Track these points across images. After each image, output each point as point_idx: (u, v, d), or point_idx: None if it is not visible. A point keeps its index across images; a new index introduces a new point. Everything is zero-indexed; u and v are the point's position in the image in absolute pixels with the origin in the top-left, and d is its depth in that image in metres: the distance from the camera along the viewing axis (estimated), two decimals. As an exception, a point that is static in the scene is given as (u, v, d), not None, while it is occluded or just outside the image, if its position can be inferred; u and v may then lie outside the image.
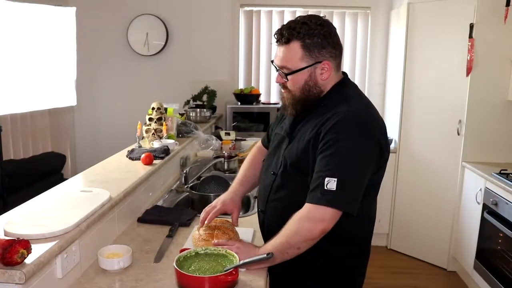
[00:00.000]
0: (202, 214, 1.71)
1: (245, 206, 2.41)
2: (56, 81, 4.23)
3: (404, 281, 3.53)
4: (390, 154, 3.96)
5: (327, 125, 1.42)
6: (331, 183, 1.35)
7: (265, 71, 4.62)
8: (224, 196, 1.77)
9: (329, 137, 1.40)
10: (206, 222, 1.67)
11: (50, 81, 4.16)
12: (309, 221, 1.38)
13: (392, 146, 4.02)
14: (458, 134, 3.50)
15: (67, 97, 4.40)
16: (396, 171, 3.97)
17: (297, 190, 1.48)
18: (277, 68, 1.53)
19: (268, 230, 1.61)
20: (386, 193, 3.98)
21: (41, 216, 1.42)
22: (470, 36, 3.32)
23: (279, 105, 4.32)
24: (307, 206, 1.40)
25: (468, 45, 3.33)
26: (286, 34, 1.46)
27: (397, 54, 4.04)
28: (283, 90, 1.56)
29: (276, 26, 4.52)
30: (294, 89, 1.50)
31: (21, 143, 4.08)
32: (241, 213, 2.33)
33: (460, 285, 3.50)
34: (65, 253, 1.33)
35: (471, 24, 3.31)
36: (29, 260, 1.15)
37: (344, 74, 1.59)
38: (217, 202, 1.74)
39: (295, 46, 1.45)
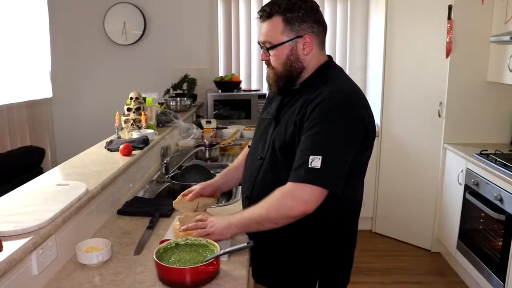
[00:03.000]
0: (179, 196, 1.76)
1: (227, 194, 2.40)
2: (30, 73, 4.12)
3: (389, 264, 3.56)
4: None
5: (312, 104, 1.41)
6: (315, 161, 1.34)
7: (245, 58, 4.57)
8: (202, 184, 1.81)
9: (313, 116, 1.39)
10: (187, 198, 1.73)
11: (24, 73, 4.05)
12: (292, 200, 1.37)
13: (374, 130, 4.03)
14: (439, 116, 3.51)
15: (42, 89, 4.30)
16: (379, 154, 3.99)
17: (285, 173, 1.44)
18: (261, 45, 1.54)
19: None
20: (370, 177, 3.98)
21: (14, 212, 1.38)
22: (449, 18, 3.32)
23: (260, 92, 4.29)
24: (290, 185, 1.38)
25: (447, 26, 3.33)
26: (268, 9, 1.48)
27: (376, 38, 4.03)
28: (267, 69, 1.57)
29: (255, 12, 4.47)
30: (276, 65, 1.51)
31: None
32: (223, 202, 2.32)
33: (444, 266, 3.54)
34: (40, 249, 1.29)
35: (449, 5, 3.31)
36: (0, 258, 1.11)
37: (329, 57, 1.59)
38: (196, 186, 1.78)
39: (277, 20, 1.46)
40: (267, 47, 1.50)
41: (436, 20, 3.44)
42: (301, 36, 1.47)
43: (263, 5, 1.51)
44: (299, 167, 1.37)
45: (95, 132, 3.38)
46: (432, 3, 3.47)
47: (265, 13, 1.48)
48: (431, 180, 3.66)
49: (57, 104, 4.62)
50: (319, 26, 1.50)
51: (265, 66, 1.76)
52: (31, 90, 4.17)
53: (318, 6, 1.51)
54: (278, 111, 1.58)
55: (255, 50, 4.50)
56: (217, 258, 1.35)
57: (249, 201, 1.62)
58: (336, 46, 4.51)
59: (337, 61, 4.49)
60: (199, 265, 1.31)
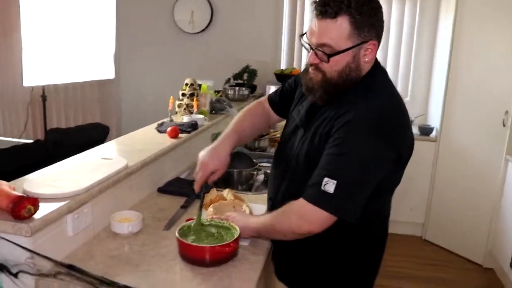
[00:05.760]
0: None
1: (266, 183, 2.44)
2: (95, 54, 4.37)
3: (435, 274, 3.45)
4: (430, 142, 3.84)
5: (340, 121, 1.29)
6: (329, 185, 1.24)
7: (307, 52, 4.56)
8: (204, 155, 1.59)
9: (338, 134, 1.28)
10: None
11: (90, 54, 4.31)
12: (299, 218, 1.30)
13: (433, 134, 3.90)
14: (504, 125, 3.33)
15: (108, 70, 4.55)
16: (435, 160, 3.85)
17: None
18: (312, 47, 1.32)
19: None
20: (423, 182, 3.88)
21: (59, 178, 1.52)
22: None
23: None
24: (300, 201, 1.31)
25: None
26: (333, 6, 1.25)
27: (444, 42, 3.87)
28: (312, 70, 1.37)
29: (321, 7, 4.46)
30: (331, 71, 1.32)
31: (72, 113, 4.32)
32: (257, 190, 2.36)
33: (496, 284, 3.37)
34: (76, 213, 1.42)
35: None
36: (37, 216, 1.24)
37: (375, 60, 1.41)
38: (198, 165, 1.59)
39: (344, 21, 1.25)
40: (326, 52, 1.29)
41: (509, 26, 3.25)
42: (366, 42, 1.30)
43: None
44: (313, 186, 1.28)
45: (157, 113, 3.54)
46: (506, 9, 3.28)
47: (329, 10, 1.25)
48: (489, 191, 3.48)
49: (124, 85, 4.91)
50: (383, 28, 1.34)
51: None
52: (95, 71, 4.44)
53: (381, 5, 1.33)
54: (308, 116, 1.46)
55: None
56: (235, 240, 1.41)
57: (272, 203, 1.62)
58: (401, 47, 4.36)
59: (401, 66, 4.36)
60: (216, 245, 1.37)
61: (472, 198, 3.62)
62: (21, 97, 3.68)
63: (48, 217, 1.27)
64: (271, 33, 4.55)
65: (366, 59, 1.33)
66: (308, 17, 4.50)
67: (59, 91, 4.13)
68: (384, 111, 1.30)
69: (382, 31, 1.34)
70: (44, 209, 1.28)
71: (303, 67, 4.84)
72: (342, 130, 1.28)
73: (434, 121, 3.99)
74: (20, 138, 3.79)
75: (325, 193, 1.25)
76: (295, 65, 4.57)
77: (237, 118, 1.73)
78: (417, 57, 4.32)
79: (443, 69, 3.79)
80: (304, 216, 1.30)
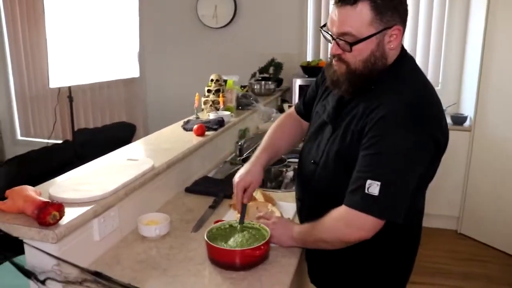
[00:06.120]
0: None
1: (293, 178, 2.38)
2: (120, 54, 4.36)
3: (472, 268, 3.31)
4: (464, 132, 3.67)
5: (373, 117, 1.22)
6: (373, 187, 1.18)
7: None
8: (240, 172, 1.55)
9: (373, 132, 1.21)
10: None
11: (115, 54, 4.29)
12: (346, 226, 1.25)
13: (467, 123, 3.74)
14: (544, 113, 3.17)
15: (133, 69, 4.54)
16: (470, 150, 3.70)
17: (341, 185, 1.28)
18: (334, 37, 1.26)
19: (306, 221, 1.43)
20: (457, 174, 3.73)
21: (84, 182, 1.49)
22: None
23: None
24: (345, 209, 1.24)
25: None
26: None
27: (476, 27, 3.70)
28: (335, 63, 1.31)
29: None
30: (355, 62, 1.25)
31: (98, 112, 4.35)
32: (293, 188, 2.30)
33: (538, 278, 3.23)
34: (102, 217, 1.39)
35: None
36: (64, 221, 1.22)
37: (402, 48, 1.34)
38: (234, 184, 1.53)
39: (364, 7, 1.19)
40: (347, 41, 1.22)
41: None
42: (389, 27, 1.22)
43: None
44: (355, 191, 1.21)
45: (184, 110, 3.52)
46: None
47: None
48: (529, 183, 3.33)
49: (150, 83, 4.90)
50: (407, 12, 1.26)
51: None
52: (119, 70, 4.42)
53: None
54: (336, 112, 1.38)
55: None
56: (266, 243, 1.35)
57: (301, 204, 1.56)
58: (431, 41, 4.20)
59: (431, 54, 4.19)
60: (245, 248, 1.32)
61: (509, 190, 3.46)
62: (48, 98, 3.72)
63: (74, 223, 1.24)
64: (296, 25, 4.45)
65: (392, 46, 1.25)
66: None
67: (85, 91, 4.17)
68: (418, 101, 1.23)
69: (406, 14, 1.27)
70: (70, 214, 1.25)
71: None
72: (378, 127, 1.21)
73: (467, 109, 3.82)
74: (49, 139, 3.84)
75: (370, 196, 1.19)
76: (321, 57, 4.47)
77: (267, 135, 1.69)
78: (448, 44, 4.14)
79: (476, 56, 3.62)
80: (352, 224, 1.24)
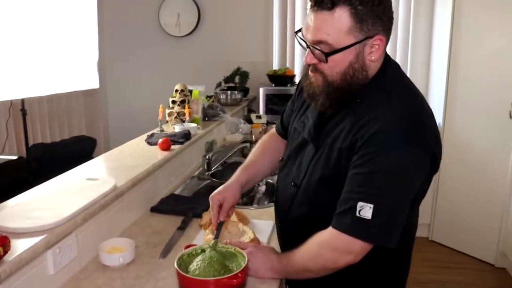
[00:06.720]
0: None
1: (270, 194, 2.27)
2: (78, 63, 4.10)
3: (446, 276, 3.29)
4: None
5: (364, 133, 1.10)
6: (365, 210, 1.07)
7: (300, 51, 4.39)
8: (217, 190, 1.47)
9: (366, 149, 1.09)
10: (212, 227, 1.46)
11: (72, 64, 4.04)
12: (332, 251, 1.14)
13: (436, 130, 3.74)
14: (511, 117, 3.18)
15: (92, 80, 4.28)
16: (440, 157, 3.68)
17: (327, 208, 1.17)
18: (308, 44, 1.15)
19: (289, 249, 1.28)
20: (429, 181, 3.71)
21: (36, 207, 1.32)
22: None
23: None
24: (331, 232, 1.13)
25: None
26: None
27: (442, 29, 3.70)
28: (311, 73, 1.20)
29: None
30: (332, 74, 1.14)
31: (56, 125, 4.10)
32: (266, 202, 2.19)
33: (510, 284, 3.21)
34: (57, 247, 1.23)
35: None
36: (10, 257, 1.05)
37: (386, 55, 1.23)
38: (211, 201, 1.44)
39: (342, 14, 1.07)
40: (323, 51, 1.11)
41: (510, 12, 3.10)
42: (371, 37, 1.11)
43: None
44: (345, 213, 1.10)
45: (148, 123, 3.35)
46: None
47: (325, 0, 1.08)
48: (498, 188, 3.33)
49: (111, 95, 4.69)
50: (391, 20, 1.14)
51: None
52: (83, 80, 4.17)
53: None
54: (317, 129, 1.26)
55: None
56: (243, 270, 1.22)
57: (281, 231, 1.44)
58: (397, 38, 4.19)
59: (398, 54, 4.18)
60: (221, 277, 1.18)
61: (479, 195, 3.46)
62: None
63: (23, 257, 1.07)
64: (261, 33, 4.37)
65: (373, 57, 1.14)
66: (299, 13, 4.33)
67: (41, 103, 3.91)
68: (411, 113, 1.12)
69: (391, 23, 1.15)
70: (18, 247, 1.09)
71: (296, 67, 4.62)
72: (370, 143, 1.09)
73: (435, 116, 3.83)
74: (0, 155, 3.57)
75: (362, 220, 1.07)
76: (288, 65, 4.39)
77: (249, 154, 1.60)
78: (414, 47, 4.13)
79: (443, 59, 3.62)
80: (339, 249, 1.13)
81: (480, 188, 3.46)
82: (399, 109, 1.11)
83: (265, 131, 3.33)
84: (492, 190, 3.37)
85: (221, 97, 3.71)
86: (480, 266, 3.44)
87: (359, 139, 1.11)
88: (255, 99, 4.30)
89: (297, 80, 4.29)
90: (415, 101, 1.18)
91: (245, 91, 4.06)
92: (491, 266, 3.43)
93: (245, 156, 2.81)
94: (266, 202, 2.21)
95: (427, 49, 4.07)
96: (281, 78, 4.05)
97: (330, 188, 1.18)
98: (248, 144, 2.85)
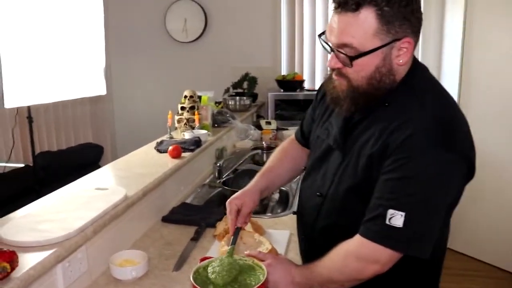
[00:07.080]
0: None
1: (284, 203, 2.20)
2: (85, 70, 4.06)
3: (463, 285, 3.19)
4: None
5: (397, 137, 1.04)
6: (395, 218, 1.00)
7: (308, 56, 4.34)
8: (235, 194, 1.40)
9: (399, 154, 1.03)
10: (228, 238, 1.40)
11: (79, 70, 3.99)
12: (358, 260, 1.07)
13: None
14: (526, 120, 3.10)
15: (97, 86, 4.23)
16: (453, 163, 3.61)
17: (356, 217, 1.10)
18: (332, 48, 1.09)
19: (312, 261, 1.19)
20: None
21: (44, 219, 1.26)
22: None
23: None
24: (358, 240, 1.07)
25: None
26: None
27: (453, 34, 3.64)
28: (336, 77, 1.14)
29: (320, 9, 4.23)
30: (357, 78, 1.08)
31: (62, 133, 4.06)
32: (279, 211, 2.12)
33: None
34: (66, 262, 1.16)
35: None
36: (17, 273, 0.99)
37: (414, 58, 1.16)
38: (229, 205, 1.36)
39: (368, 16, 1.01)
40: (348, 54, 1.05)
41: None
42: (398, 39, 1.05)
43: None
44: (374, 219, 1.04)
45: (155, 130, 3.30)
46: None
47: (349, 2, 1.02)
48: (514, 192, 3.24)
49: (118, 101, 4.65)
50: (420, 21, 1.07)
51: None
52: (85, 87, 4.12)
53: None
54: (343, 134, 1.19)
55: (320, 47, 4.26)
56: (262, 284, 1.15)
57: (306, 245, 1.37)
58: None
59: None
60: (241, 292, 1.12)
61: (497, 202, 3.38)
62: (4, 120, 3.41)
63: (31, 273, 1.01)
64: (269, 38, 4.32)
65: (401, 61, 1.07)
66: (308, 18, 4.28)
67: (48, 110, 3.87)
68: (444, 116, 1.06)
69: (419, 25, 1.08)
70: (26, 262, 1.02)
71: (305, 72, 4.55)
72: (404, 148, 1.02)
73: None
74: (7, 163, 3.53)
75: (392, 228, 1.01)
76: (296, 70, 4.33)
77: (268, 161, 1.54)
78: (425, 52, 4.06)
79: (455, 65, 3.56)
80: (365, 257, 1.06)
81: (497, 196, 3.37)
82: (432, 113, 1.05)
83: (275, 138, 3.27)
84: (507, 197, 3.29)
85: (230, 103, 3.65)
86: (498, 274, 3.34)
87: (391, 143, 1.05)
88: (264, 104, 4.25)
89: (306, 85, 4.23)
90: (448, 105, 1.11)
91: (253, 97, 4.00)
92: (507, 273, 3.33)
93: (256, 163, 2.76)
94: (279, 211, 2.14)
95: (438, 53, 3.99)
96: (290, 83, 3.99)
97: (359, 196, 1.11)
98: (259, 151, 2.79)
